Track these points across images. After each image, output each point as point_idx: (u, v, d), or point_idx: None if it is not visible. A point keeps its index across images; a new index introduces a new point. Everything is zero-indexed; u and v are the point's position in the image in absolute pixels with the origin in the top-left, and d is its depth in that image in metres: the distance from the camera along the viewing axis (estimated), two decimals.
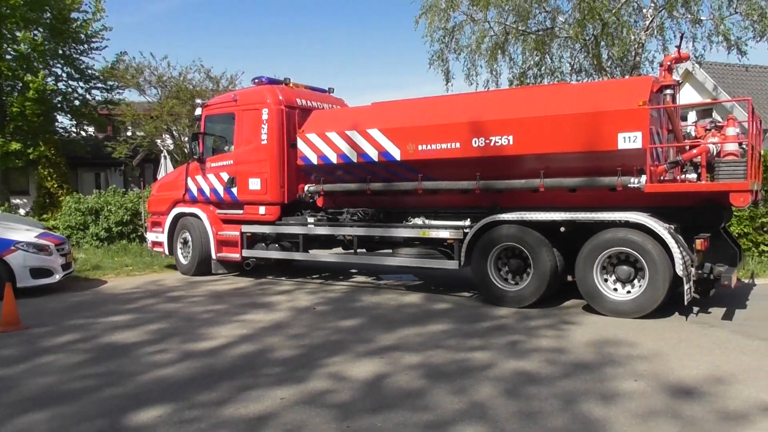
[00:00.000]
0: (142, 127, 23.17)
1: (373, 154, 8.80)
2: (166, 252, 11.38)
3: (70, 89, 20.89)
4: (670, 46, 17.67)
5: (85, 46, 20.59)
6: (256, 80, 10.27)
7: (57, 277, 9.51)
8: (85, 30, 20.08)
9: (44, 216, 18.49)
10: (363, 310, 7.80)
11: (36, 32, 18.97)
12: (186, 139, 23.53)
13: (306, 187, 9.82)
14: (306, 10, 72.42)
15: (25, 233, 9.72)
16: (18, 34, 18.15)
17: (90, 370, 5.48)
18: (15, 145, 18.67)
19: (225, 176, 10.31)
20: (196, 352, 5.99)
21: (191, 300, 8.76)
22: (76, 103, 21.08)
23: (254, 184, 9.93)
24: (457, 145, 8.12)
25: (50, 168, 19.96)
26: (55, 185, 19.93)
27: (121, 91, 22.34)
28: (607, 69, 19.29)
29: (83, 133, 23.75)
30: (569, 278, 7.75)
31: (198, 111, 10.86)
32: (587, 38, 18.82)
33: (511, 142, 7.72)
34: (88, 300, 9.10)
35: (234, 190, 10.22)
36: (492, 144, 7.85)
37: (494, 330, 6.64)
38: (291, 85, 10.36)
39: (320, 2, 69.91)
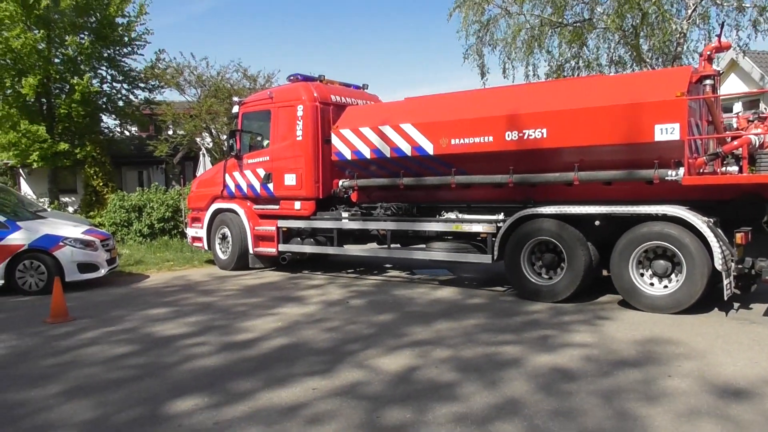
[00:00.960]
0: (182, 125, 23.64)
1: (406, 148, 8.83)
2: (206, 247, 11.65)
3: (114, 90, 21.44)
4: (714, 35, 17.11)
5: (129, 48, 21.10)
6: (292, 77, 10.42)
7: (102, 271, 9.86)
8: (129, 34, 20.60)
9: (91, 213, 19.04)
10: (396, 304, 7.86)
11: (82, 36, 19.52)
12: (224, 137, 23.99)
13: (340, 182, 9.94)
14: (342, 6, 72.78)
15: (73, 229, 10.06)
16: (66, 38, 18.73)
17: (132, 360, 5.69)
18: (63, 146, 19.16)
19: (261, 172, 10.50)
20: (232, 343, 6.15)
21: (227, 293, 8.97)
22: (120, 103, 21.57)
23: (290, 179, 10.09)
24: (490, 138, 8.06)
25: (96, 167, 20.41)
26: (101, 183, 20.41)
27: (162, 90, 22.84)
28: (648, 60, 18.81)
29: (127, 133, 24.34)
30: (604, 273, 7.66)
31: (235, 108, 11.07)
32: (626, 29, 18.38)
33: (545, 135, 7.63)
34: (131, 293, 9.39)
35: (270, 185, 10.41)
36: (526, 137, 7.77)
37: (527, 325, 6.60)
38: (325, 81, 10.48)
39: None
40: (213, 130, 23.65)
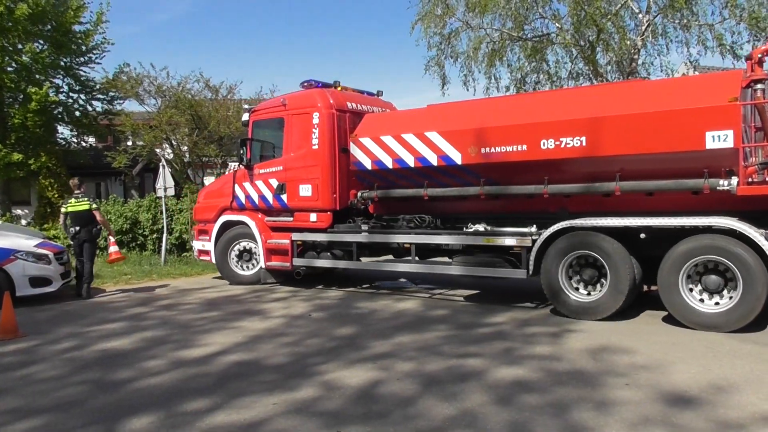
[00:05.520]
0: (141, 136, 22.70)
1: (432, 158, 8.44)
2: (213, 260, 10.90)
3: (71, 100, 20.50)
4: (671, 48, 17.61)
5: (86, 57, 20.22)
6: (306, 83, 9.90)
7: (56, 285, 9.44)
8: (86, 42, 19.71)
9: (45, 226, 18.06)
10: (359, 317, 7.69)
11: (38, 44, 18.56)
12: (184, 148, 23.08)
13: (359, 193, 9.44)
14: (304, 19, 72.35)
15: (25, 242, 9.59)
16: (20, 46, 17.78)
17: (85, 377, 5.46)
18: (16, 156, 18.44)
19: (274, 183, 9.90)
20: (189, 359, 5.93)
21: (187, 308, 8.70)
22: (77, 114, 20.76)
23: (305, 190, 9.54)
24: (524, 147, 7.74)
25: (51, 178, 19.66)
26: (56, 195, 19.54)
27: (121, 101, 21.97)
28: (604, 74, 19.17)
29: (84, 144, 23.32)
30: (645, 288, 7.41)
31: (245, 116, 10.44)
32: (583, 44, 18.71)
33: (584, 144, 7.34)
34: (85, 308, 8.96)
35: (284, 196, 9.82)
36: (563, 146, 7.47)
37: (490, 336, 6.56)
38: (340, 88, 10.01)
39: (318, 10, 69.89)
40: (173, 141, 22.75)
